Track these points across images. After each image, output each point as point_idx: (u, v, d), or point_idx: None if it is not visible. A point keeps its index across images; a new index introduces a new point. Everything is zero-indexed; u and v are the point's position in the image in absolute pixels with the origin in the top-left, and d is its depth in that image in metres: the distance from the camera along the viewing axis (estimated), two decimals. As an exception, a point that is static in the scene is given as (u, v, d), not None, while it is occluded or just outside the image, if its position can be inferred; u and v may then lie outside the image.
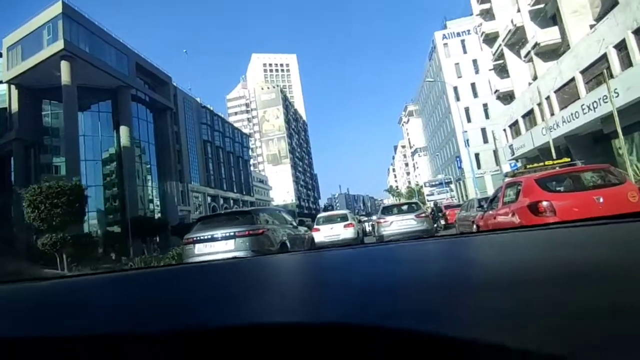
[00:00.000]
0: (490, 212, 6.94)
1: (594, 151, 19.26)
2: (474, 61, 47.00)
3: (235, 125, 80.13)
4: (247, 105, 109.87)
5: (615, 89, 15.76)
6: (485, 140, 45.58)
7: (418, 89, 67.92)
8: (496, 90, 29.67)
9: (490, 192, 37.37)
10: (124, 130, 35.50)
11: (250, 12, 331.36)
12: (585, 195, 5.19)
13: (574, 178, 5.81)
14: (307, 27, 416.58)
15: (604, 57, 16.46)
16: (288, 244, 7.42)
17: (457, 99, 47.00)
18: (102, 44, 33.52)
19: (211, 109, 58.61)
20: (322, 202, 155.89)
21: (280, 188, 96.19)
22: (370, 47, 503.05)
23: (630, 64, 14.88)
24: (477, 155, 45.64)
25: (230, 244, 6.53)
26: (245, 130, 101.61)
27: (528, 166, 9.60)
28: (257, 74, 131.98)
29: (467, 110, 46.59)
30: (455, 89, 47.16)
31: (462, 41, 47.82)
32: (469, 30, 47.88)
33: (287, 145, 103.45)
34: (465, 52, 47.53)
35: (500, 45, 27.16)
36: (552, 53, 22.21)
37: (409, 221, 10.49)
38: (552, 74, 20.44)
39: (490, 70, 30.67)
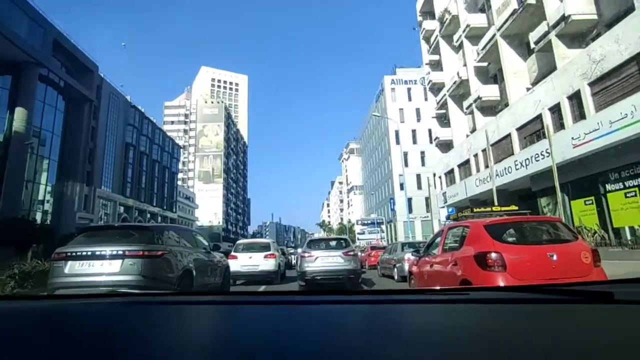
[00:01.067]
0: (427, 258, 6.14)
1: (521, 208, 19.12)
2: (417, 110, 48.48)
3: (170, 135, 74.96)
4: (186, 116, 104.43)
5: (547, 148, 15.69)
6: (419, 187, 46.35)
7: (362, 129, 68.93)
8: (436, 138, 29.86)
9: (420, 237, 37.24)
10: (20, 113, 30.21)
11: (210, 23, 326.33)
12: (538, 250, 4.64)
13: (525, 229, 5.25)
14: (264, 51, 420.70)
15: (538, 118, 16.48)
16: (193, 272, 6.24)
17: (398, 142, 47.82)
18: (11, 8, 28.61)
19: (142, 110, 53.84)
20: (252, 229, 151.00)
21: (208, 208, 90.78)
22: (323, 85, 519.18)
23: (562, 127, 14.85)
24: (409, 199, 46.02)
25: (116, 265, 5.28)
26: (180, 142, 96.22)
27: (475, 210, 9.14)
28: (203, 88, 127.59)
29: (405, 154, 47.27)
30: (397, 132, 48.02)
31: (409, 89, 49.36)
32: (415, 80, 49.73)
33: (222, 164, 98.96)
34: (410, 99, 48.97)
35: (444, 95, 27.48)
36: (490, 109, 22.51)
37: (336, 259, 9.47)
38: (490, 128, 20.44)
39: (432, 117, 30.99)
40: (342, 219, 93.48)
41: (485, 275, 4.30)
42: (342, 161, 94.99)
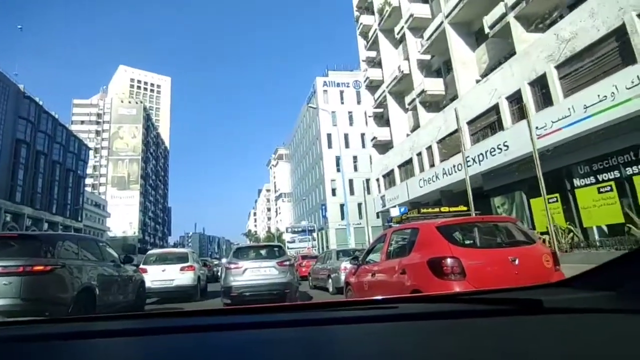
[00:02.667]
0: (367, 266, 5.59)
1: (475, 208, 17.83)
2: (350, 113, 47.31)
3: (80, 136, 65.49)
4: (99, 115, 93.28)
5: (505, 141, 14.36)
6: (352, 192, 44.85)
7: (292, 133, 66.46)
8: (373, 138, 28.22)
9: (353, 245, 35.36)
10: None
11: (130, 19, 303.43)
12: (499, 254, 4.26)
13: (482, 231, 4.78)
14: (190, 53, 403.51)
15: (494, 109, 15.17)
16: (96, 290, 5.32)
17: (330, 146, 46.04)
18: None
19: (39, 102, 45.63)
20: (173, 239, 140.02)
21: (122, 217, 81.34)
22: (251, 88, 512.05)
23: (523, 116, 13.55)
24: (342, 206, 44.35)
25: None
26: (91, 144, 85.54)
27: (423, 210, 9.61)
28: (121, 88, 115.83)
29: (337, 159, 45.66)
30: (329, 136, 46.28)
31: (341, 92, 48.05)
32: (348, 83, 48.60)
33: (139, 170, 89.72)
34: (342, 102, 47.64)
35: (383, 91, 25.96)
36: (435, 105, 21.25)
37: (269, 270, 8.16)
38: (436, 123, 19.01)
39: (369, 116, 29.40)
40: (269, 227, 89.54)
41: (440, 285, 3.80)
42: (270, 168, 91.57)
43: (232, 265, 8.16)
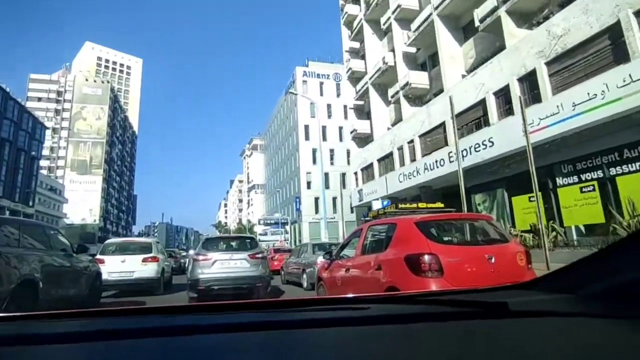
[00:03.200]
0: (341, 261, 5.44)
1: (451, 205, 17.77)
2: (329, 105, 46.82)
3: (37, 114, 61.31)
4: (59, 93, 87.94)
5: (491, 137, 14.27)
6: (328, 186, 44.48)
7: (268, 124, 65.28)
8: (353, 130, 27.84)
9: (325, 239, 35.08)
10: None
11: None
12: (475, 251, 4.26)
13: (459, 227, 4.90)
14: (163, 35, 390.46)
15: (480, 104, 15.06)
16: (39, 283, 4.60)
17: (307, 138, 45.42)
18: None
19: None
20: (138, 229, 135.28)
21: (82, 203, 77.31)
22: (228, 76, 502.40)
23: (510, 112, 13.47)
24: (316, 199, 43.93)
25: None
26: (49, 124, 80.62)
27: (400, 206, 8.56)
28: (86, 66, 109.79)
29: (314, 151, 45.15)
30: (307, 127, 45.63)
31: (321, 83, 47.45)
32: (328, 75, 48.04)
33: (104, 154, 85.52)
34: (322, 94, 47.03)
35: (366, 83, 25.56)
36: (418, 99, 21.07)
37: (240, 262, 7.78)
38: (420, 117, 18.80)
39: (350, 108, 28.99)
40: (240, 219, 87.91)
41: (418, 282, 3.71)
42: (244, 158, 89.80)
43: (201, 257, 7.74)
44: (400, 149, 20.65)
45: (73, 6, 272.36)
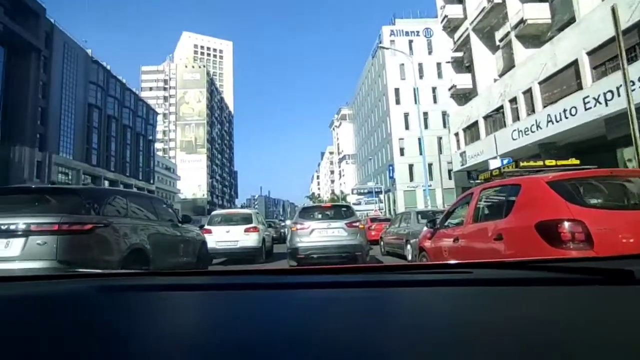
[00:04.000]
0: (447, 230, 4.81)
1: (587, 164, 14.47)
2: (420, 65, 42.98)
3: (149, 102, 68.13)
4: (165, 81, 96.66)
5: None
6: (421, 152, 41.49)
7: (355, 92, 63.23)
8: (452, 86, 24.64)
9: (425, 207, 32.78)
10: None
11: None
12: (634, 217, 3.08)
13: (610, 188, 3.64)
14: (249, 14, 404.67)
15: (637, 27, 11.45)
16: (149, 251, 4.74)
17: (398, 102, 42.54)
18: None
19: (107, 67, 47.18)
20: (240, 202, 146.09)
21: (191, 180, 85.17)
22: (313, 49, 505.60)
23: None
24: (411, 166, 41.39)
25: (15, 246, 3.66)
26: (160, 110, 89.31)
27: (523, 164, 8.51)
28: (186, 55, 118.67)
29: (406, 116, 42.25)
30: (397, 91, 42.68)
31: (410, 42, 43.66)
32: (418, 32, 43.99)
33: (205, 134, 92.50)
34: (411, 53, 43.25)
35: (466, 30, 22.10)
36: (535, 39, 17.34)
37: (338, 231, 7.74)
38: (540, 59, 15.36)
39: (447, 62, 25.70)
40: (333, 190, 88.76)
41: (555, 255, 2.80)
42: (333, 129, 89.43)
43: (299, 226, 7.79)
44: (514, 101, 17.41)
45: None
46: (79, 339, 0.58)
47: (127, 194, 5.65)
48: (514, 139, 17.11)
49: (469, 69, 23.85)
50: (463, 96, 24.60)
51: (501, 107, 18.38)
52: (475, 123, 21.12)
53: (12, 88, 32.04)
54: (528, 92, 16.15)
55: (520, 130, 16.54)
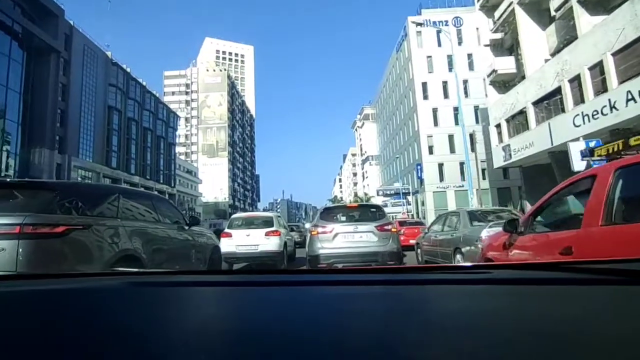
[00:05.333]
0: (539, 235, 3.45)
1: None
2: (449, 57, 40.34)
3: (172, 106, 67.94)
4: (187, 86, 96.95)
5: None
6: (452, 150, 38.78)
7: (378, 89, 60.89)
8: (492, 72, 22.10)
9: (468, 208, 30.03)
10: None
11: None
12: None
13: None
14: (269, 19, 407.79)
15: None
16: (143, 257, 4.05)
17: (425, 97, 39.99)
18: None
19: (128, 70, 46.70)
20: (262, 206, 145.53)
21: (213, 183, 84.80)
22: (334, 48, 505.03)
23: None
24: (440, 165, 38.72)
25: None
26: (182, 114, 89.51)
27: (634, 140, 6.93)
28: (207, 60, 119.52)
29: (435, 112, 39.68)
30: (425, 85, 40.15)
31: (438, 32, 40.91)
32: (446, 22, 41.30)
33: (227, 137, 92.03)
34: (439, 45, 40.78)
35: (510, 4, 19.62)
36: (603, 2, 14.77)
37: (366, 235, 6.55)
38: (614, 25, 12.84)
39: (485, 45, 23.17)
40: (355, 193, 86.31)
41: None
42: (356, 130, 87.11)
43: (319, 230, 6.69)
44: (575, 80, 14.89)
45: (192, 7, 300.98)
46: (97, 335, 0.59)
47: (120, 190, 4.79)
48: (576, 126, 14.59)
49: (511, 51, 21.36)
50: (503, 84, 22.06)
51: (557, 89, 15.88)
52: (522, 111, 18.61)
53: (32, 90, 31.53)
54: (596, 67, 13.66)
55: (586, 115, 14.02)
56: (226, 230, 9.55)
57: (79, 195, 3.87)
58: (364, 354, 0.48)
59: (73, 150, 35.88)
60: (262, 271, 1.28)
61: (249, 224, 9.90)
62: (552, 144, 16.07)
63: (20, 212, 3.24)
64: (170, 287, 1.01)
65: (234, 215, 11.00)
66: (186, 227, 5.52)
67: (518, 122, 19.27)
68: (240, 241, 9.13)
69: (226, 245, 8.48)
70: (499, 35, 22.24)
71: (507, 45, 21.79)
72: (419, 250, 10.00)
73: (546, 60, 17.94)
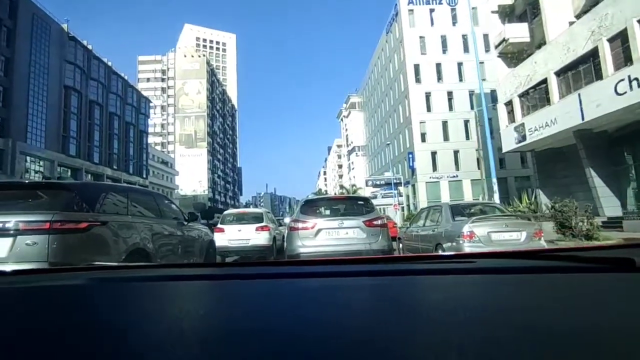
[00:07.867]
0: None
1: None
2: (443, 38, 37.31)
3: (146, 94, 63.13)
4: (163, 72, 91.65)
5: None
6: (446, 138, 35.85)
7: (366, 75, 57.60)
8: (502, 41, 18.88)
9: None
10: None
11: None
12: None
13: None
14: (252, 6, 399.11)
15: None
16: (150, 251, 4.37)
17: (418, 80, 36.83)
18: None
19: (89, 47, 42.02)
20: (245, 199, 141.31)
21: (191, 175, 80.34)
22: (321, 40, 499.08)
23: None
24: (433, 154, 35.75)
25: (2, 246, 3.22)
26: (157, 102, 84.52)
27: None
28: (187, 47, 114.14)
29: (427, 96, 36.61)
30: (417, 67, 36.96)
31: (431, 10, 37.88)
32: (440, 0, 38.12)
33: (206, 127, 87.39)
34: (432, 24, 37.62)
35: (526, -43, 16.42)
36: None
37: (354, 231, 5.94)
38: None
39: (493, 12, 19.97)
40: (341, 185, 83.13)
41: None
42: (341, 119, 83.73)
43: (300, 225, 5.94)
44: (617, 38, 11.82)
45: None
46: (86, 330, 0.60)
47: (127, 190, 5.21)
48: (618, 94, 11.54)
49: (523, 17, 18.25)
50: (514, 55, 18.96)
51: (592, 52, 12.78)
52: (542, 83, 15.53)
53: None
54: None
55: (635, 78, 10.95)
56: (219, 225, 10.24)
57: (95, 194, 4.14)
58: (351, 347, 0.48)
59: (19, 134, 31.43)
60: (253, 263, 1.27)
61: (241, 219, 10.50)
62: (582, 119, 13.04)
63: (48, 210, 3.49)
64: (161, 282, 1.00)
65: (226, 212, 11.74)
66: (185, 223, 5.67)
67: (535, 96, 16.20)
68: (233, 236, 9.78)
69: (220, 240, 8.95)
70: (507, 1, 19.11)
71: (519, 12, 18.67)
72: (400, 245, 9.61)
73: (570, 24, 14.87)
